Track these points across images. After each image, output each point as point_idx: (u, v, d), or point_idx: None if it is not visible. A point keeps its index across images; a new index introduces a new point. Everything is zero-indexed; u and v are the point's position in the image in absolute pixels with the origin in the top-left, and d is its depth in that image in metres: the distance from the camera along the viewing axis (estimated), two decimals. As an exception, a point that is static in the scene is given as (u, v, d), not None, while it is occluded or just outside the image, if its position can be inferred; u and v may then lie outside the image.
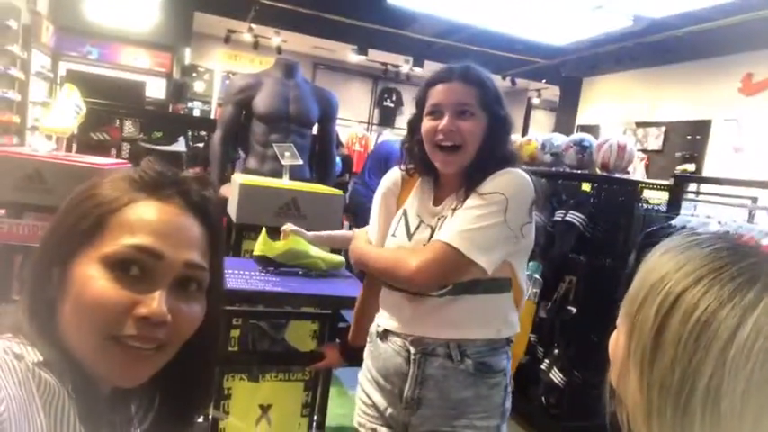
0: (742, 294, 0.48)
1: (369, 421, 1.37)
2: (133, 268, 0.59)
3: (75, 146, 3.28)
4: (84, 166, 1.90)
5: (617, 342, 0.59)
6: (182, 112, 7.30)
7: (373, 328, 1.42)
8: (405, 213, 1.37)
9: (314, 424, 2.05)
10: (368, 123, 10.83)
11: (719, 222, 2.51)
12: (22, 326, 0.60)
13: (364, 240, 1.43)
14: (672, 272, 0.53)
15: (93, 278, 0.58)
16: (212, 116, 8.80)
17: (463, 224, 1.21)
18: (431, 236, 1.29)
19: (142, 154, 3.82)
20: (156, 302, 0.59)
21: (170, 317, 0.60)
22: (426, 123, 1.29)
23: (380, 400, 1.35)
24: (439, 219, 1.31)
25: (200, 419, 1.91)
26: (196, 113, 8.84)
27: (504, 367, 1.31)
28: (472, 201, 1.24)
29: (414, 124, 1.35)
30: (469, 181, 1.28)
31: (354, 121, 10.14)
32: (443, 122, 1.25)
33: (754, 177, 3.26)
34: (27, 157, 1.84)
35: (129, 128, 4.09)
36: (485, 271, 1.20)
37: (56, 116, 2.14)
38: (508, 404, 1.33)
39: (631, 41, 6.47)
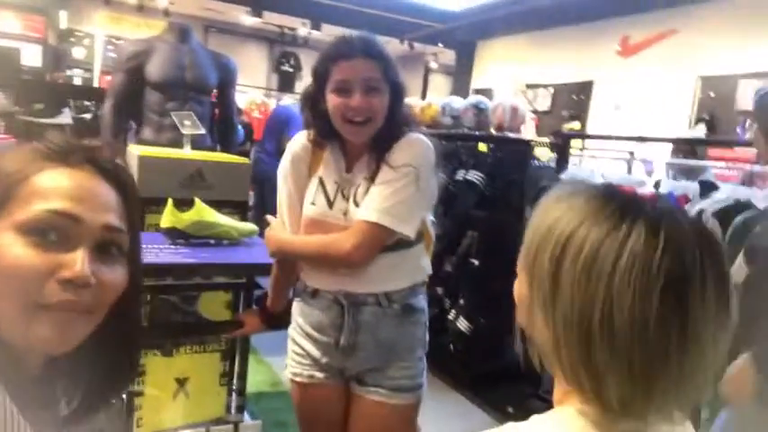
0: (617, 230, 0.56)
1: (305, 369, 1.46)
2: (51, 234, 0.58)
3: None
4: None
5: (520, 288, 0.67)
6: (61, 81, 6.74)
7: (300, 288, 1.48)
8: (321, 181, 1.41)
9: (234, 391, 2.06)
10: (266, 89, 10.54)
11: (602, 175, 2.75)
12: None
13: (281, 228, 1.47)
14: (558, 220, 0.61)
15: (7, 246, 0.56)
16: (95, 84, 8.20)
17: (383, 200, 1.31)
18: (347, 207, 1.37)
19: (22, 128, 3.53)
20: (78, 263, 0.57)
21: (93, 279, 0.59)
22: (334, 99, 1.32)
23: (315, 351, 1.44)
24: (352, 187, 1.39)
25: (115, 399, 1.87)
26: (77, 82, 8.17)
27: (423, 306, 1.48)
28: (385, 174, 1.34)
29: (314, 96, 1.38)
30: (377, 149, 1.37)
31: (252, 87, 9.83)
32: (354, 100, 1.30)
33: (632, 133, 3.58)
34: None
35: (3, 100, 3.76)
36: (409, 237, 1.34)
37: None
38: (427, 336, 1.51)
39: (521, 5, 6.73)
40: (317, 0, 8.02)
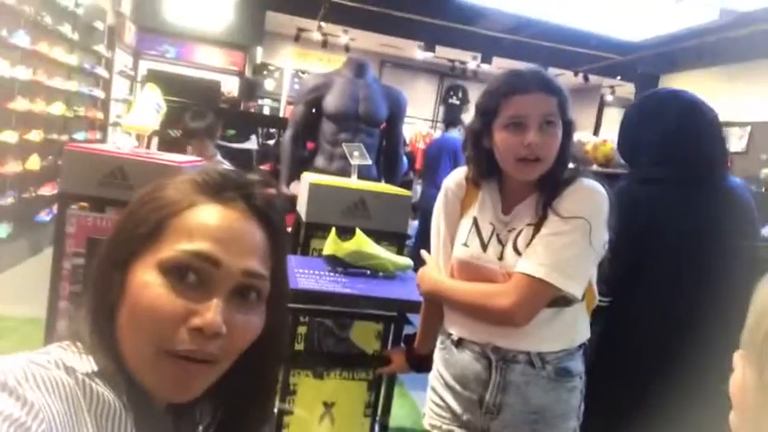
0: None
1: (444, 423, 1.37)
2: (190, 275, 0.57)
3: (155, 142, 3.45)
4: (163, 163, 1.98)
5: (741, 380, 0.55)
6: (252, 110, 7.50)
7: (444, 336, 1.41)
8: (475, 221, 1.34)
9: (377, 425, 2.05)
10: (432, 121, 10.77)
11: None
12: (82, 332, 0.58)
13: (436, 269, 1.41)
14: None
15: (148, 285, 0.56)
16: (281, 114, 9.01)
17: (551, 254, 1.20)
18: (502, 251, 1.28)
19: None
20: (211, 313, 0.56)
21: (225, 328, 0.56)
22: (506, 137, 1.24)
23: (456, 406, 1.35)
24: (510, 231, 1.29)
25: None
26: (266, 111, 9.06)
27: (581, 371, 1.33)
28: (554, 225, 1.22)
29: (478, 134, 1.31)
30: (544, 192, 1.26)
31: (419, 119, 10.12)
32: (530, 137, 1.20)
33: None
34: (111, 155, 1.93)
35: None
36: (577, 297, 1.23)
37: (137, 114, 2.23)
38: (583, 405, 1.36)
39: (714, 36, 6.12)
40: (489, 34, 8.05)
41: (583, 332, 1.33)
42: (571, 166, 1.29)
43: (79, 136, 6.03)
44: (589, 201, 1.24)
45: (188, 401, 0.61)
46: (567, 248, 1.20)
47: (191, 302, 0.56)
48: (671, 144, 1.55)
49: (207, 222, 0.59)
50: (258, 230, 0.62)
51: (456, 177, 1.41)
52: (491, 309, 1.23)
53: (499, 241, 1.29)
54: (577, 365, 1.32)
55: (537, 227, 1.24)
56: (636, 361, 1.52)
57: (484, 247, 1.30)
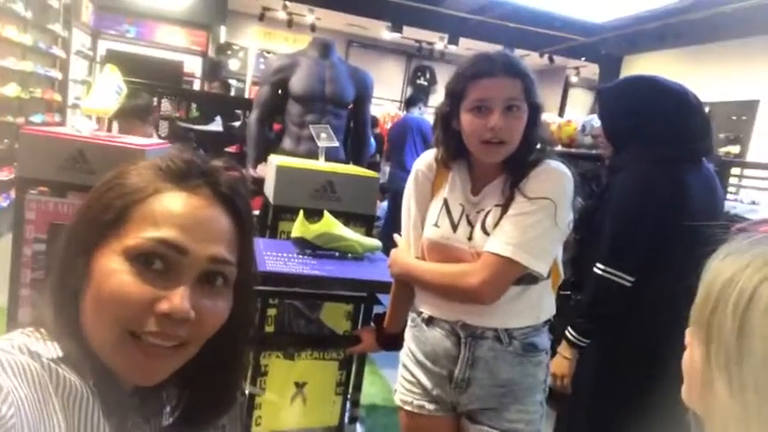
0: None
1: (415, 399, 1.42)
2: (156, 262, 0.57)
3: (116, 125, 3.35)
4: (124, 146, 1.94)
5: (691, 357, 0.58)
6: (215, 91, 7.36)
7: (415, 315, 1.44)
8: (446, 202, 1.36)
9: (349, 402, 2.08)
10: (401, 102, 10.75)
11: None
12: (45, 319, 0.58)
13: (406, 250, 1.43)
14: (739, 271, 0.53)
15: (114, 271, 0.56)
16: (246, 95, 8.85)
17: (517, 234, 1.23)
18: (471, 231, 1.31)
19: (179, 133, 3.88)
20: (178, 298, 0.56)
21: (193, 314, 0.57)
22: (471, 119, 1.26)
23: (427, 382, 1.39)
24: (479, 212, 1.32)
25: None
26: (231, 92, 8.90)
27: (547, 346, 1.38)
28: (520, 206, 1.25)
29: (447, 116, 1.32)
30: (511, 173, 1.29)
31: (387, 100, 10.08)
32: (494, 120, 1.23)
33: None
34: (70, 138, 1.88)
35: (167, 107, 4.15)
36: (542, 274, 1.26)
37: (97, 97, 2.18)
38: (549, 379, 1.41)
39: (676, 18, 6.24)
40: (455, 14, 8.03)
41: (548, 309, 1.37)
42: (539, 147, 1.32)
43: (36, 119, 5.82)
44: (555, 182, 1.27)
45: (155, 385, 0.61)
46: (532, 228, 1.23)
47: (158, 289, 0.56)
48: (676, 125, 1.63)
49: (172, 210, 0.59)
50: (224, 216, 0.62)
51: (426, 159, 1.43)
52: (461, 288, 1.26)
53: (468, 222, 1.32)
54: (543, 341, 1.36)
55: (504, 207, 1.27)
56: (655, 341, 1.56)
57: (454, 227, 1.33)
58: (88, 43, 7.91)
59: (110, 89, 2.25)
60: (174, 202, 0.59)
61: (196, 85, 7.95)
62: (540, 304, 1.35)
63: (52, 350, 0.55)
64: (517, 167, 1.28)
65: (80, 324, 0.57)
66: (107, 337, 0.56)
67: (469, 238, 1.30)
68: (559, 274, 1.39)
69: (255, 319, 0.68)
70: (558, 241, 1.30)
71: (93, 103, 2.17)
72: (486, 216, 1.30)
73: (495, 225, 1.27)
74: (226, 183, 0.63)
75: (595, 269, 1.62)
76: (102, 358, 0.57)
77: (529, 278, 1.28)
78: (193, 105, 4.27)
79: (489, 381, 1.32)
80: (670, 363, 1.48)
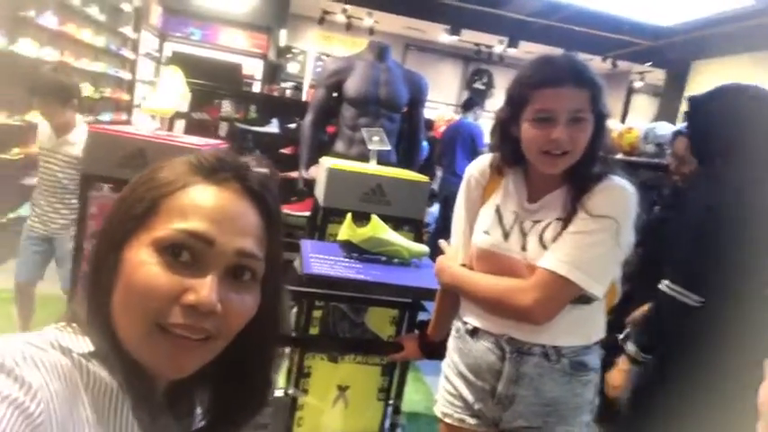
0: None
1: (456, 411, 1.38)
2: (184, 254, 0.57)
3: (182, 125, 3.45)
4: (182, 145, 1.99)
5: None
6: (274, 94, 7.52)
7: (459, 324, 1.40)
8: (498, 209, 1.32)
9: (390, 409, 2.07)
10: (456, 105, 10.68)
11: None
12: (78, 314, 0.59)
13: (454, 260, 1.40)
14: None
15: (143, 263, 0.56)
16: (304, 98, 8.99)
17: (577, 252, 1.18)
18: (525, 241, 1.26)
19: (237, 134, 3.98)
20: (205, 290, 0.56)
21: (220, 306, 0.56)
22: (532, 131, 1.20)
23: (469, 395, 1.35)
24: (536, 222, 1.27)
25: (281, 394, 1.98)
26: (288, 95, 9.08)
27: (597, 365, 1.32)
28: (582, 223, 1.20)
29: (506, 122, 1.28)
30: (573, 186, 1.24)
31: (443, 104, 10.02)
32: (556, 132, 1.17)
33: None
34: (131, 136, 1.95)
35: (227, 108, 4.26)
36: (598, 297, 1.21)
37: (158, 97, 2.25)
38: (597, 400, 1.34)
39: (749, 21, 5.92)
40: (516, 17, 7.90)
41: (600, 330, 1.32)
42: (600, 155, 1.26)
43: (106, 117, 6.11)
44: (619, 200, 1.21)
45: (186, 384, 0.61)
46: (593, 247, 1.18)
47: (185, 280, 0.56)
48: None
49: (201, 202, 0.59)
50: (253, 212, 0.62)
51: (480, 164, 1.39)
52: (512, 305, 1.22)
53: (522, 230, 1.27)
54: (594, 359, 1.31)
55: (566, 222, 1.22)
56: (719, 368, 1.49)
57: (505, 235, 1.28)
58: (156, 45, 8.24)
59: (171, 90, 2.32)
60: (202, 194, 0.60)
61: (256, 88, 8.15)
62: (592, 324, 1.29)
63: (83, 345, 0.56)
64: (580, 180, 1.23)
65: (110, 318, 0.58)
66: (136, 330, 0.57)
67: (523, 248, 1.26)
68: (616, 294, 1.33)
69: (287, 317, 0.67)
70: (618, 263, 1.24)
71: (155, 103, 2.24)
72: (544, 229, 1.25)
73: (554, 240, 1.22)
74: (255, 178, 0.63)
75: (662, 286, 1.54)
76: (131, 352, 0.57)
77: (583, 298, 1.23)
78: (252, 107, 4.36)
79: (534, 398, 1.27)
80: (732, 392, 1.40)
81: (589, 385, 1.30)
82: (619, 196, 1.22)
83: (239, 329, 0.61)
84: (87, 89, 5.42)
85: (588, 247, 1.18)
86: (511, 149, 1.29)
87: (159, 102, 2.24)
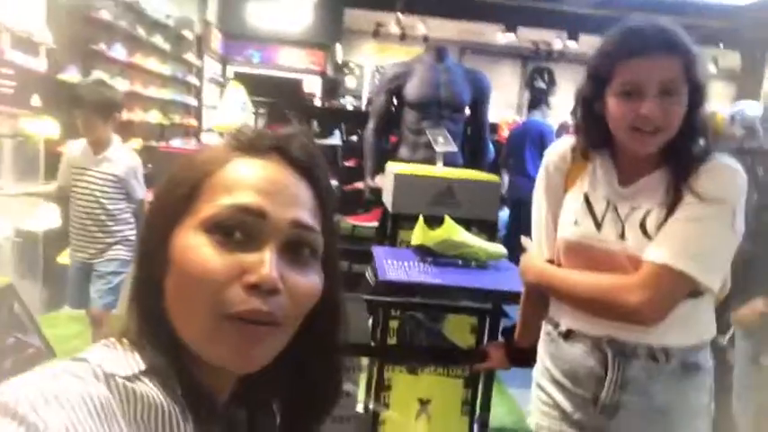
0: None
1: (553, 423, 1.25)
2: (236, 233, 0.51)
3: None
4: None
5: None
6: (334, 108, 7.60)
7: (550, 327, 1.28)
8: (586, 197, 1.20)
9: (475, 423, 1.95)
10: (518, 106, 10.45)
11: None
12: (130, 326, 0.54)
13: (539, 256, 1.28)
14: None
15: (193, 246, 0.51)
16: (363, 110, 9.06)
17: (690, 243, 1.06)
18: (622, 230, 1.13)
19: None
20: (265, 267, 0.50)
21: (281, 284, 0.51)
22: (619, 105, 1.09)
23: (566, 404, 1.22)
24: (633, 209, 1.14)
25: (361, 411, 1.92)
26: (348, 108, 9.18)
27: (710, 366, 1.18)
28: (692, 209, 1.07)
29: (589, 99, 1.16)
30: (673, 167, 1.11)
31: (503, 106, 9.83)
32: (646, 107, 1.05)
33: None
34: (182, 153, 1.96)
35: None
36: (713, 291, 1.09)
37: (222, 113, 2.27)
38: (713, 404, 1.20)
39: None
40: (572, 10, 7.64)
41: (711, 326, 1.18)
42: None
43: (175, 143, 6.33)
44: (731, 181, 1.08)
45: (254, 384, 0.57)
46: (708, 236, 1.06)
47: (242, 258, 0.51)
48: None
49: (246, 175, 0.54)
50: (301, 183, 0.56)
51: (559, 149, 1.27)
52: (618, 305, 1.09)
53: (617, 218, 1.15)
54: (706, 360, 1.16)
55: (670, 208, 1.09)
56: None
57: (598, 225, 1.16)
58: (218, 70, 8.52)
59: (234, 105, 2.33)
60: (246, 167, 0.55)
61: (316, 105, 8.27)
62: (703, 320, 1.15)
63: (132, 364, 0.51)
64: (682, 160, 1.10)
65: (166, 321, 0.53)
66: (199, 324, 0.51)
67: (621, 237, 1.13)
68: (726, 286, 1.18)
69: (346, 316, 0.61)
70: (733, 251, 1.10)
71: (220, 119, 2.25)
72: (645, 216, 1.12)
73: (658, 228, 1.09)
74: (300, 149, 0.58)
75: None
76: (196, 349, 0.52)
77: (693, 292, 1.09)
78: (314, 122, 4.40)
79: (642, 405, 1.14)
80: None
81: (703, 388, 1.16)
82: (730, 177, 1.09)
83: (306, 311, 0.55)
84: (156, 116, 5.63)
85: (703, 236, 1.05)
86: (596, 129, 1.17)
87: (224, 118, 2.26)
